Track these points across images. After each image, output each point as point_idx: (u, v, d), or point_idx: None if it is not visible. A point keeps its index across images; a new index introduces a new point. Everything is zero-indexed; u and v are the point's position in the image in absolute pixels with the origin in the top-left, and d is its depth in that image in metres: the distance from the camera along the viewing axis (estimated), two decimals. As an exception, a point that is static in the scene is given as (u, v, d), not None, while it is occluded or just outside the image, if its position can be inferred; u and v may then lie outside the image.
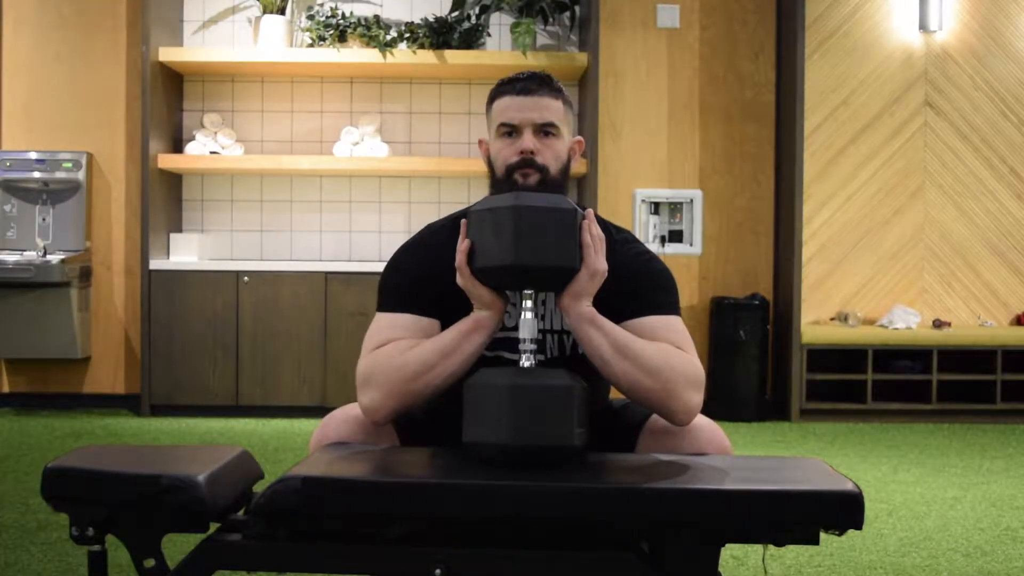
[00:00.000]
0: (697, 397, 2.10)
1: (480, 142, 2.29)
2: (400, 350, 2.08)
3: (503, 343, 2.14)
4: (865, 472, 4.63)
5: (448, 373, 2.06)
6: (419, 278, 2.17)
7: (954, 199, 6.35)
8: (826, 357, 6.14)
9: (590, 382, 2.00)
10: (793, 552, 3.34)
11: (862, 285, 6.37)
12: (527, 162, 2.15)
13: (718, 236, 6.40)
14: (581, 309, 2.03)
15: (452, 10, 6.19)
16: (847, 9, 6.30)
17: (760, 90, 6.40)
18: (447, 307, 2.12)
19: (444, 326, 2.12)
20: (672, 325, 2.13)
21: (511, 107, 2.20)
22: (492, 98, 2.27)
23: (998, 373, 6.04)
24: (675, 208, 6.40)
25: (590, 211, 2.07)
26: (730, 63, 6.39)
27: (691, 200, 6.38)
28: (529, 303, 2.00)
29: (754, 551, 3.31)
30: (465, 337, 2.06)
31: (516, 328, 2.07)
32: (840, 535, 1.94)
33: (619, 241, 2.21)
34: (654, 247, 6.37)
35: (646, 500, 1.92)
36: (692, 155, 6.40)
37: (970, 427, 5.90)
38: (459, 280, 2.06)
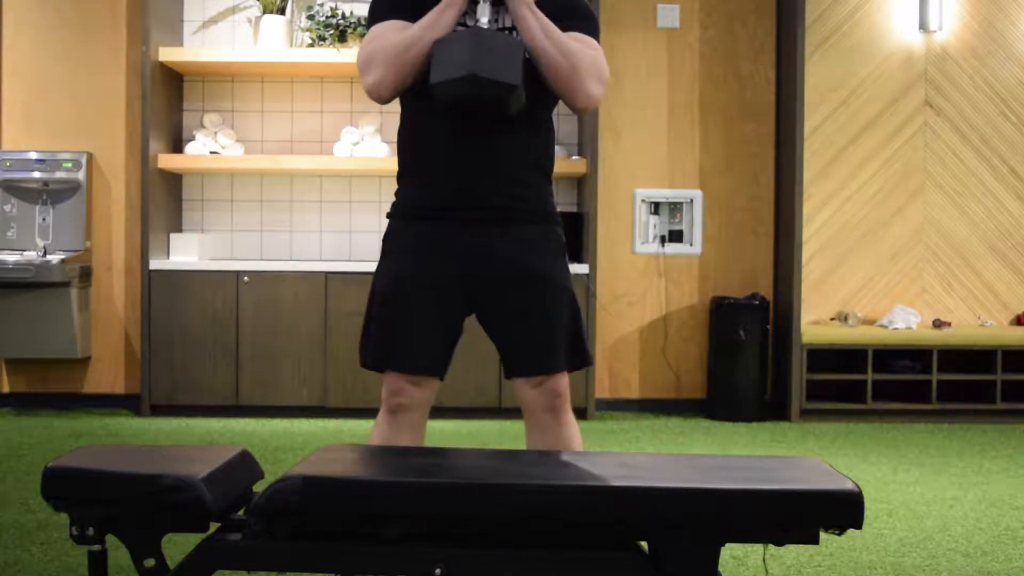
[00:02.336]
0: (597, 88, 2.63)
1: None
2: (390, 36, 2.56)
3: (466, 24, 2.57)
4: (865, 472, 4.63)
5: (431, 39, 2.50)
6: None
7: (954, 199, 6.35)
8: (826, 357, 6.14)
9: (532, 77, 2.51)
10: (793, 552, 3.34)
11: (862, 285, 6.37)
12: None
13: (718, 236, 6.40)
14: None
15: (452, 10, 6.19)
16: (847, 9, 6.30)
17: (760, 90, 6.39)
18: (423, 12, 2.55)
19: None
20: (590, 39, 2.64)
21: None
22: None
23: (998, 373, 6.04)
24: (675, 208, 6.40)
25: None
26: (730, 63, 6.39)
27: (691, 200, 6.37)
28: None
29: (754, 551, 3.31)
30: (440, 13, 2.53)
31: (476, 10, 2.55)
32: (840, 535, 1.94)
33: None
34: (654, 247, 6.37)
35: (646, 500, 1.92)
36: (692, 155, 6.40)
37: (970, 427, 5.90)
38: None
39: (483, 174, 2.58)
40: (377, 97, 2.58)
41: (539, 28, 2.53)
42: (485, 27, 2.52)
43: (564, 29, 2.58)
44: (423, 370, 2.58)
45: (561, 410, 2.60)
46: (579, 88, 2.58)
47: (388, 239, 2.67)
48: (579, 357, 2.64)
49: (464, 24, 2.58)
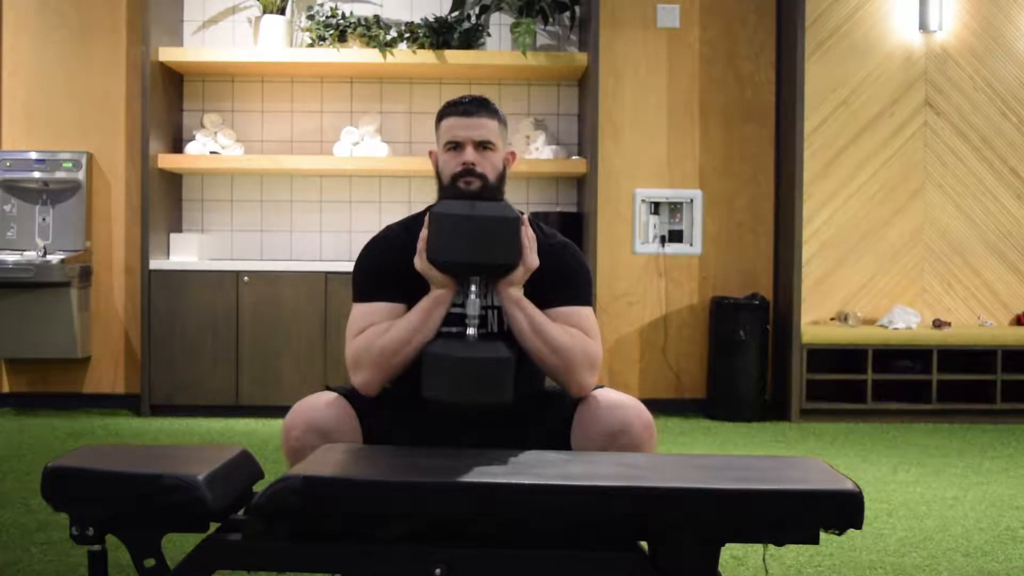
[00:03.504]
0: (590, 378, 2.55)
1: (430, 153, 2.74)
2: (378, 334, 2.55)
3: (454, 317, 2.57)
4: (865, 472, 4.63)
5: (420, 344, 2.52)
6: (384, 270, 2.63)
7: (954, 199, 6.34)
8: (826, 357, 6.14)
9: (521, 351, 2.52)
10: (793, 552, 3.34)
11: (862, 285, 6.36)
12: (469, 171, 2.61)
13: (718, 236, 6.40)
14: (511, 293, 2.54)
15: (452, 10, 6.19)
16: (847, 9, 6.30)
17: (760, 90, 6.39)
18: (408, 290, 2.58)
19: (408, 304, 2.58)
20: (582, 314, 2.61)
21: (455, 126, 2.64)
22: (439, 118, 2.70)
23: (998, 373, 6.04)
24: (675, 208, 6.40)
25: (525, 216, 2.60)
26: (730, 63, 6.39)
27: (691, 200, 6.37)
28: (474, 287, 2.51)
29: (754, 551, 3.31)
30: (428, 314, 2.54)
31: (464, 306, 2.54)
32: (840, 535, 1.94)
33: (550, 243, 2.68)
34: (654, 247, 6.37)
35: (646, 500, 1.92)
36: (692, 155, 6.40)
37: (970, 427, 5.90)
38: (417, 264, 2.55)
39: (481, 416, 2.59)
40: (365, 393, 2.56)
41: (528, 327, 2.52)
42: (472, 334, 2.49)
43: (556, 298, 2.59)
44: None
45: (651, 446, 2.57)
46: (571, 382, 2.54)
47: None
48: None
49: (455, 304, 2.56)
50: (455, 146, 2.63)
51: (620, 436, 2.45)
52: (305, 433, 2.44)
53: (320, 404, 2.51)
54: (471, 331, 2.49)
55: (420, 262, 2.54)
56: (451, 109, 2.67)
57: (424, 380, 2.44)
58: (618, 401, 2.52)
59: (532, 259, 2.54)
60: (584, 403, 2.54)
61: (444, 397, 2.43)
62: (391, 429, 2.54)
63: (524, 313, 2.53)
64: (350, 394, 2.56)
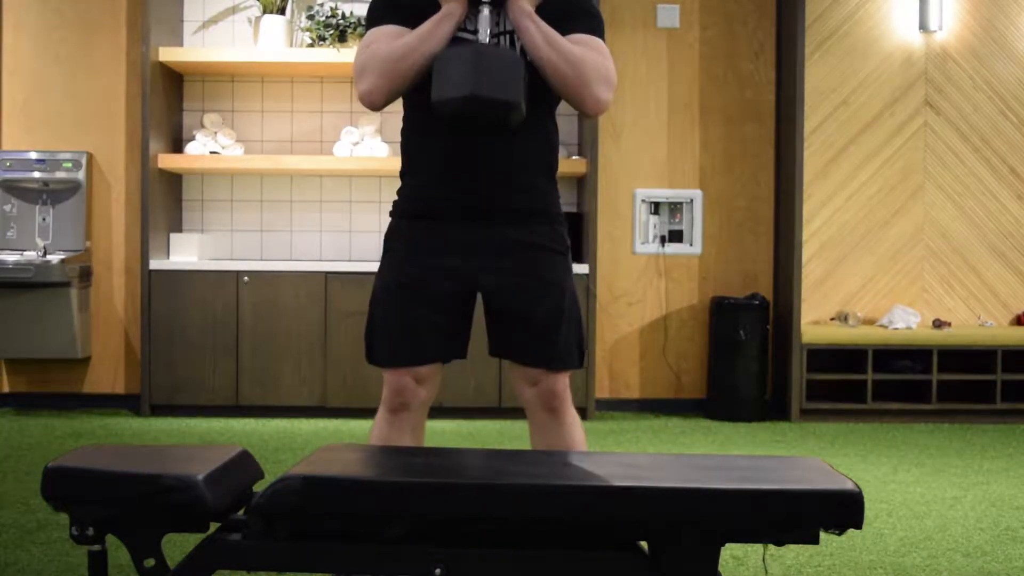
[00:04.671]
0: (606, 93, 2.56)
1: None
2: (387, 42, 2.54)
3: (465, 35, 2.54)
4: (865, 472, 4.63)
5: (426, 52, 2.48)
6: (399, 1, 2.61)
7: (954, 199, 6.34)
8: (826, 357, 6.14)
9: (534, 79, 2.51)
10: (793, 552, 3.34)
11: (862, 285, 6.37)
12: None
13: (718, 236, 6.40)
14: (522, 5, 2.51)
15: (452, 10, 6.18)
16: (847, 9, 6.30)
17: (760, 90, 6.39)
18: (422, 18, 2.54)
19: None
20: (594, 40, 2.59)
21: None
22: None
23: (998, 373, 6.04)
24: (675, 208, 6.40)
25: None
26: (730, 63, 6.39)
27: (691, 200, 6.37)
28: (486, 2, 2.51)
29: (754, 551, 3.31)
30: (437, 24, 2.51)
31: (476, 21, 2.53)
32: (840, 535, 1.94)
33: None
34: (654, 247, 6.37)
35: (646, 500, 1.92)
36: (692, 155, 6.40)
37: (970, 427, 5.90)
38: None
39: (485, 175, 2.58)
40: (370, 104, 2.56)
41: (541, 38, 2.50)
42: (485, 41, 2.50)
43: (568, 30, 2.55)
44: (430, 360, 2.59)
45: (560, 410, 2.60)
46: (587, 95, 2.55)
47: (390, 237, 2.67)
48: (570, 359, 2.64)
49: (465, 29, 2.55)
50: None
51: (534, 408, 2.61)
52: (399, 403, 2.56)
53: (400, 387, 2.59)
54: (483, 34, 2.50)
55: None
56: None
57: (434, 85, 2.42)
58: (569, 420, 2.61)
59: None
60: (537, 378, 2.59)
61: (454, 94, 2.39)
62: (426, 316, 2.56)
63: (536, 25, 2.50)
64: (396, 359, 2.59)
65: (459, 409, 5.81)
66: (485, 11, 2.51)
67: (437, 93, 2.42)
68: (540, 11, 2.54)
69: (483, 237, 2.58)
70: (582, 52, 2.52)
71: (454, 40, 2.52)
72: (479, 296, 2.65)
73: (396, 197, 2.70)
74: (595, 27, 2.63)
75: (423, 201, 2.62)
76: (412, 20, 2.56)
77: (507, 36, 2.57)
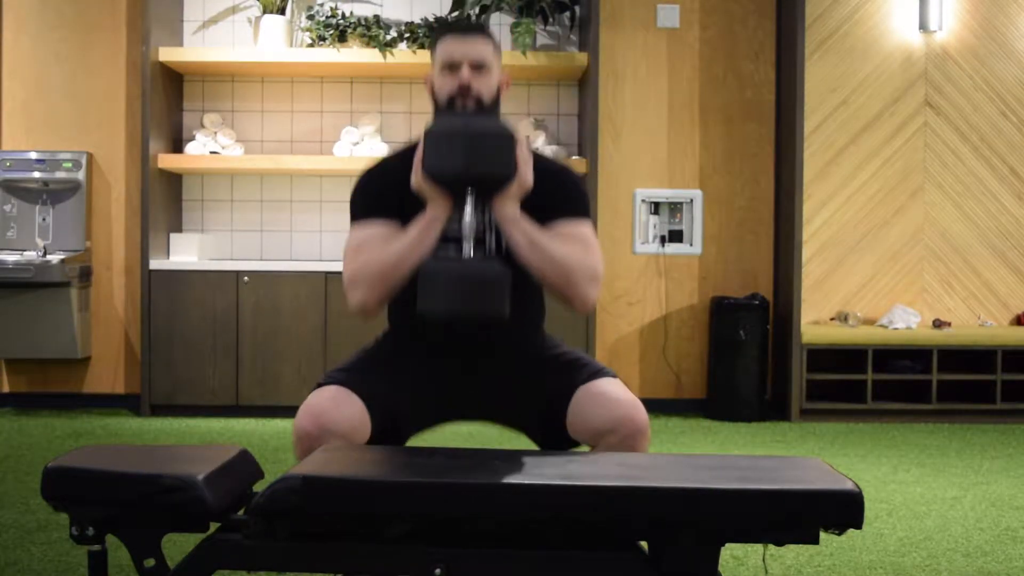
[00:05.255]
0: (593, 290, 2.53)
1: (426, 79, 2.70)
2: (374, 252, 2.53)
3: (450, 238, 2.54)
4: (865, 472, 4.63)
5: (415, 262, 2.47)
6: (381, 191, 2.61)
7: (954, 199, 6.34)
8: (826, 357, 6.14)
9: (519, 271, 2.49)
10: (793, 552, 3.34)
11: (862, 285, 6.37)
12: (465, 91, 2.59)
13: (718, 236, 6.40)
14: (507, 210, 2.49)
15: (452, 10, 6.19)
16: (847, 9, 6.30)
17: (760, 90, 6.39)
18: (405, 213, 2.54)
19: (404, 225, 2.54)
20: (581, 228, 2.58)
21: (451, 47, 2.62)
22: (434, 41, 2.67)
23: (998, 373, 6.04)
24: (675, 208, 6.40)
25: (523, 136, 2.53)
26: (730, 63, 6.39)
27: (691, 200, 6.37)
28: (470, 203, 2.47)
29: (754, 551, 3.31)
30: (424, 231, 2.49)
31: (460, 225, 2.50)
32: (840, 535, 1.94)
33: (547, 164, 2.64)
34: (654, 247, 6.37)
35: (646, 500, 1.92)
36: (692, 155, 6.40)
37: (970, 427, 5.90)
38: (413, 181, 2.50)
39: (478, 342, 2.59)
40: (363, 314, 2.54)
41: (526, 243, 2.48)
42: (470, 253, 2.47)
43: (554, 215, 2.55)
44: (367, 398, 2.48)
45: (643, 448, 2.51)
46: (574, 296, 2.51)
47: (373, 347, 2.66)
48: (600, 368, 2.60)
49: (451, 227, 2.52)
50: (451, 67, 2.60)
51: (609, 436, 2.42)
52: (319, 432, 2.38)
53: (330, 404, 2.44)
54: (467, 247, 2.47)
55: (416, 179, 2.50)
56: (447, 31, 2.66)
57: (420, 296, 2.41)
58: (615, 397, 2.47)
59: (527, 176, 2.50)
60: (585, 389, 2.50)
61: (439, 310, 2.39)
62: (391, 394, 2.51)
63: (520, 228, 2.48)
64: (347, 380, 2.51)
65: (459, 409, 5.80)
66: (469, 215, 2.47)
67: (423, 305, 2.41)
68: (527, 199, 2.52)
69: (469, 368, 2.60)
70: (567, 253, 2.50)
71: (442, 239, 2.51)
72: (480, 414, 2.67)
73: (379, 337, 2.69)
74: (581, 212, 2.60)
75: (407, 347, 2.64)
76: (395, 211, 2.55)
77: (492, 231, 2.57)
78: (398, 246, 2.50)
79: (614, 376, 2.56)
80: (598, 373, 2.55)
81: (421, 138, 2.50)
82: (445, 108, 2.61)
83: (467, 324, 2.47)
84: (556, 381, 2.55)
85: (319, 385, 2.52)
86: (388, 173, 2.64)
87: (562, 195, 2.60)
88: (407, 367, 2.58)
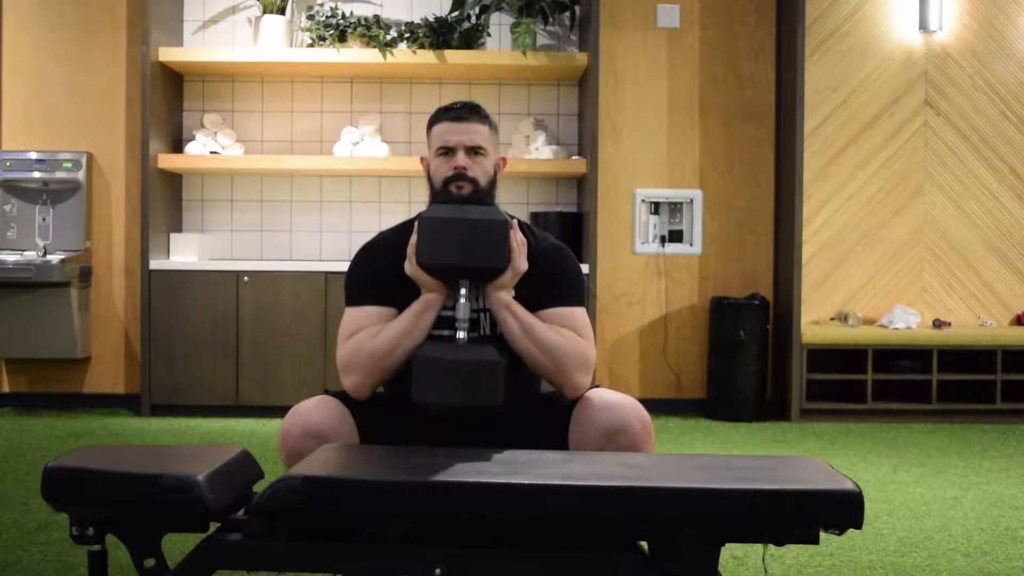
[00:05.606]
0: (584, 378, 2.55)
1: (421, 159, 2.74)
2: (370, 337, 2.55)
3: (445, 321, 2.57)
4: (865, 472, 4.63)
5: (409, 348, 2.52)
6: (376, 274, 2.64)
7: (954, 199, 6.34)
8: (826, 357, 6.14)
9: (513, 354, 2.53)
10: (793, 552, 3.34)
11: (862, 285, 6.36)
12: (461, 176, 2.62)
13: (718, 236, 6.40)
14: (500, 297, 2.54)
15: (452, 10, 6.19)
16: (847, 9, 6.30)
17: (760, 90, 6.39)
18: (401, 295, 2.58)
19: (399, 309, 2.58)
20: (574, 314, 2.61)
21: (447, 131, 2.65)
22: (431, 123, 2.71)
23: (998, 373, 6.04)
24: (675, 208, 6.40)
25: (515, 220, 2.58)
26: (730, 63, 6.39)
27: (691, 200, 6.37)
28: (464, 291, 2.51)
29: (754, 551, 3.31)
30: (419, 317, 2.54)
31: (455, 310, 2.53)
32: (840, 535, 1.94)
33: (540, 245, 2.68)
34: (654, 247, 6.37)
35: (646, 500, 1.92)
36: (692, 155, 6.40)
37: (970, 427, 5.90)
38: (407, 268, 2.55)
39: (473, 432, 2.59)
40: (356, 396, 2.57)
41: (519, 330, 2.53)
42: (464, 337, 2.49)
43: (547, 300, 2.59)
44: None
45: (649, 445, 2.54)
46: (565, 382, 2.55)
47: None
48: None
49: (446, 307, 2.56)
50: (447, 151, 2.64)
51: (618, 435, 2.45)
52: (302, 438, 2.43)
53: (316, 408, 2.50)
54: (461, 334, 2.49)
55: (410, 267, 2.54)
56: (443, 115, 2.68)
57: (414, 384, 2.45)
58: (615, 400, 2.51)
59: (521, 263, 2.54)
60: (581, 403, 2.54)
61: (434, 401, 2.43)
62: (387, 429, 2.54)
63: (514, 316, 2.53)
64: (345, 396, 2.56)
65: (459, 409, 5.80)
66: (462, 302, 2.51)
67: (416, 394, 2.45)
68: (521, 282, 2.56)
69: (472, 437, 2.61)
70: (559, 341, 2.54)
71: (436, 323, 2.55)
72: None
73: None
74: (575, 298, 2.64)
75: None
76: (391, 293, 2.59)
77: (486, 314, 2.60)
78: (391, 333, 2.53)
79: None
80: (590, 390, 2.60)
81: (416, 224, 2.53)
82: (441, 191, 2.63)
83: (462, 413, 2.48)
84: (551, 411, 2.60)
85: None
86: (384, 254, 2.65)
87: (557, 281, 2.63)
88: (403, 423, 2.59)
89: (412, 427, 2.56)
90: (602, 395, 2.54)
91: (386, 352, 2.52)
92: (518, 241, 2.55)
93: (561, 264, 2.67)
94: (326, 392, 2.60)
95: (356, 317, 2.60)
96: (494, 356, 2.45)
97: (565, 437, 2.54)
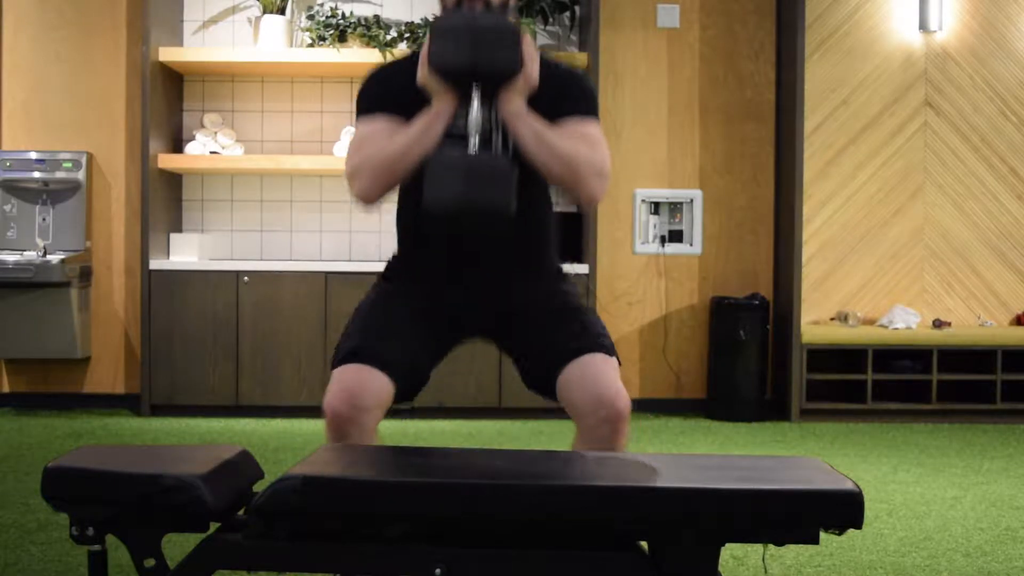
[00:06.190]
0: (600, 184, 2.54)
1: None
2: (378, 143, 2.53)
3: (456, 137, 2.51)
4: (865, 472, 4.63)
5: (418, 154, 2.47)
6: (388, 88, 2.64)
7: (954, 199, 6.34)
8: (826, 357, 6.14)
9: (526, 171, 2.49)
10: (793, 552, 3.34)
11: (862, 285, 6.37)
12: None
13: (718, 236, 6.40)
14: (513, 105, 2.49)
15: (452, 10, 6.18)
16: (847, 9, 6.30)
17: (760, 90, 6.40)
18: (412, 109, 2.53)
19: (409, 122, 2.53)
20: (587, 125, 2.57)
21: None
22: None
23: (998, 373, 6.04)
24: (675, 208, 6.40)
25: (528, 35, 2.53)
26: (730, 63, 6.39)
27: (691, 200, 6.38)
28: (476, 98, 2.47)
29: (754, 551, 3.31)
30: (429, 124, 2.49)
31: (466, 127, 2.49)
32: (840, 535, 1.94)
33: (555, 65, 2.65)
34: (654, 247, 6.37)
35: (646, 500, 1.92)
36: (692, 155, 6.40)
37: (970, 427, 5.90)
38: (419, 76, 2.53)
39: (483, 267, 2.59)
40: (364, 204, 2.56)
41: (532, 137, 2.48)
42: (475, 147, 2.46)
43: (561, 114, 2.55)
44: (387, 367, 2.45)
45: (622, 433, 2.46)
46: (581, 190, 2.53)
47: (377, 285, 2.67)
48: (606, 344, 2.55)
49: (456, 123, 2.51)
50: None
51: (592, 415, 2.40)
52: (351, 411, 2.39)
53: (350, 381, 2.43)
54: (473, 142, 2.47)
55: (422, 73, 2.51)
56: None
57: (426, 186, 2.41)
58: (606, 381, 2.43)
59: (533, 71, 2.51)
60: (579, 362, 2.45)
61: (444, 198, 2.39)
62: (405, 349, 2.49)
63: (527, 123, 2.48)
64: (363, 354, 2.45)
65: (459, 409, 5.81)
66: (475, 110, 2.48)
67: (428, 200, 2.41)
68: (533, 96, 2.52)
69: (479, 289, 2.60)
70: (574, 148, 2.51)
71: (446, 136, 2.50)
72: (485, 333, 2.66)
73: (390, 259, 2.71)
74: (589, 109, 2.61)
75: (415, 271, 2.64)
76: (401, 109, 2.55)
77: (498, 129, 2.54)
78: (402, 138, 2.50)
79: (610, 354, 2.51)
80: (596, 346, 2.50)
81: (429, 29, 2.50)
82: (453, 9, 2.58)
83: (473, 220, 2.44)
84: (555, 336, 2.53)
85: (337, 362, 2.51)
86: (395, 72, 2.65)
87: (569, 94, 2.59)
88: (412, 300, 2.57)
89: (421, 309, 2.55)
90: (598, 368, 2.45)
91: (396, 157, 2.49)
92: (530, 53, 2.51)
93: (574, 79, 2.64)
94: (344, 359, 2.50)
95: (366, 127, 2.58)
96: (506, 162, 2.43)
97: (556, 371, 2.47)
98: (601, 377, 2.45)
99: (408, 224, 2.66)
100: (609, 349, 2.53)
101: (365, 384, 2.42)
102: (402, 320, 2.56)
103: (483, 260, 2.60)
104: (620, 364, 2.56)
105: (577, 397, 2.44)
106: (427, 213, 2.42)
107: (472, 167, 2.41)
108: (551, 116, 2.53)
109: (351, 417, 2.39)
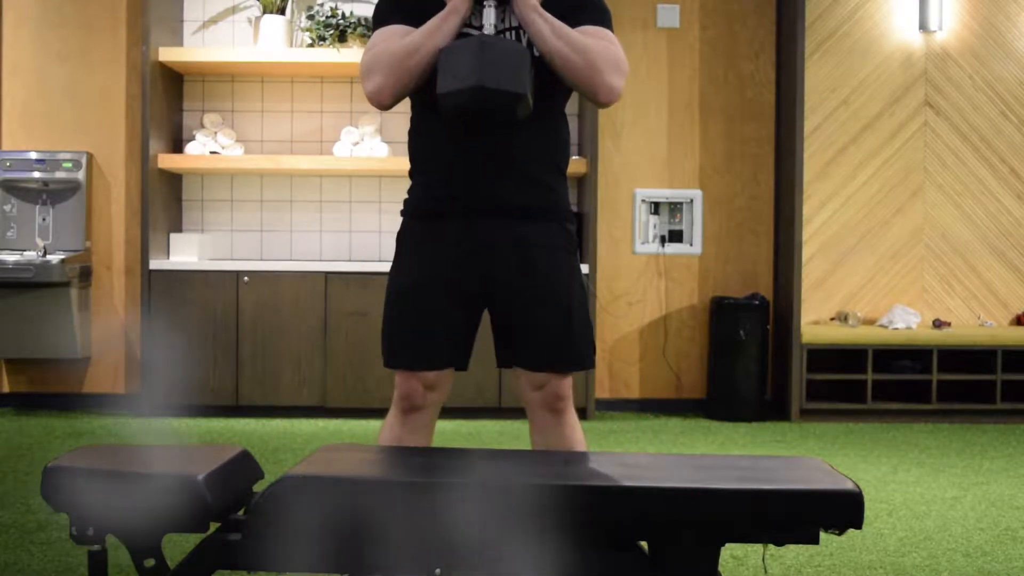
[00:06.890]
0: (618, 80, 2.52)
1: None
2: (393, 42, 2.53)
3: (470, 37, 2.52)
4: (865, 472, 4.63)
5: (432, 47, 2.48)
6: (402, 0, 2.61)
7: (954, 199, 6.34)
8: (826, 357, 6.14)
9: (542, 73, 2.50)
10: (793, 552, 3.34)
11: (862, 285, 6.37)
12: None
13: (718, 236, 6.40)
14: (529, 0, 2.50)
15: (452, 10, 6.18)
16: (847, 9, 6.30)
17: (760, 90, 6.39)
18: (425, 16, 2.54)
19: None
20: (602, 30, 2.57)
21: None
22: None
23: (998, 373, 6.04)
24: (675, 208, 6.40)
25: None
26: (730, 63, 6.39)
27: (691, 200, 6.37)
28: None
29: (754, 551, 3.31)
30: (443, 20, 2.50)
31: (481, 29, 2.51)
32: (840, 535, 1.94)
33: None
34: (654, 247, 6.37)
35: (646, 500, 1.92)
36: (692, 155, 6.40)
37: (970, 427, 5.90)
38: None
39: (494, 172, 2.57)
40: (378, 104, 2.56)
41: (548, 30, 2.49)
42: (491, 33, 2.50)
43: (575, 23, 2.54)
44: (437, 366, 2.59)
45: (564, 411, 2.60)
46: (600, 83, 2.51)
47: (401, 237, 2.68)
48: (582, 359, 2.63)
49: (471, 25, 2.55)
50: None
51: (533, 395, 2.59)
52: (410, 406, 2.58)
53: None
54: (488, 28, 2.50)
55: None
56: None
57: (439, 76, 2.42)
58: (571, 421, 2.60)
59: None
60: (544, 377, 2.58)
61: (458, 84, 2.39)
62: (439, 329, 2.58)
63: (543, 18, 2.49)
64: (416, 361, 2.58)
65: (459, 409, 5.81)
66: (491, 6, 2.51)
67: (443, 85, 2.42)
68: (546, 6, 2.53)
69: (489, 237, 2.58)
70: (591, 41, 2.51)
71: (460, 36, 2.52)
72: (485, 310, 2.68)
73: (407, 195, 2.71)
74: (602, 19, 2.61)
75: (430, 200, 2.63)
76: (417, 19, 2.55)
77: (513, 32, 2.56)
78: (415, 35, 2.51)
79: (581, 364, 2.62)
80: (567, 361, 2.60)
81: None
82: None
83: (487, 98, 2.41)
84: (536, 334, 2.60)
85: (388, 361, 2.63)
86: None
87: (583, 6, 2.59)
88: (437, 266, 2.60)
89: (439, 265, 2.59)
90: (567, 416, 2.61)
91: (409, 52, 2.49)
92: None
93: None
94: (405, 365, 2.61)
95: (382, 33, 2.58)
96: (520, 45, 2.45)
97: (523, 353, 2.60)
98: (557, 403, 2.60)
99: (419, 139, 2.65)
100: (580, 359, 2.62)
101: (415, 390, 2.59)
102: (436, 302, 2.59)
103: (497, 158, 2.57)
104: (593, 365, 2.66)
105: (529, 398, 2.62)
106: (441, 97, 2.43)
107: (485, 46, 2.41)
108: (567, 19, 2.54)
109: (418, 405, 2.59)
